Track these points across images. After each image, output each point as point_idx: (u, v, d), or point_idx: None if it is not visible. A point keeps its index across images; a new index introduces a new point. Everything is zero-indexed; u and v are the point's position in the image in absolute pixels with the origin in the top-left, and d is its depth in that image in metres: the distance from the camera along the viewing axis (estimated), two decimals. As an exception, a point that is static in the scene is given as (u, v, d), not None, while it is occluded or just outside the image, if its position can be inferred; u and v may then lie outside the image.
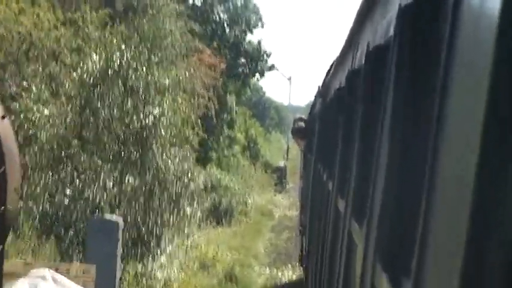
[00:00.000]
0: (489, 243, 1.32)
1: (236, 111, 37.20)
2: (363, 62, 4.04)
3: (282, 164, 46.47)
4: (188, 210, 15.31)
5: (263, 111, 67.20)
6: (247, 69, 37.72)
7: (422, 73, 2.46)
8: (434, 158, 1.79)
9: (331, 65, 9.91)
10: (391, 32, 2.83)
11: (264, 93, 72.71)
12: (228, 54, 34.10)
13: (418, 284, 1.86)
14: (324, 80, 11.23)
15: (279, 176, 43.29)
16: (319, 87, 13.25)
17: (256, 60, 37.92)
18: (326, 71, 11.21)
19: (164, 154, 14.51)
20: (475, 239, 1.34)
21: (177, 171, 14.78)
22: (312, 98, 15.41)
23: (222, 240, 21.77)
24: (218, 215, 24.92)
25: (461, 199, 1.43)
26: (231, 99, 35.79)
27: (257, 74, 39.21)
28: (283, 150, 58.65)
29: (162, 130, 14.40)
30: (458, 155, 1.58)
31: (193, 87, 19.99)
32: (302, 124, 17.51)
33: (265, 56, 38.66)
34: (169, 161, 14.59)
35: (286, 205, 34.98)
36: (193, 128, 17.55)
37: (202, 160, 29.08)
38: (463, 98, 1.61)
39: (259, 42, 38.35)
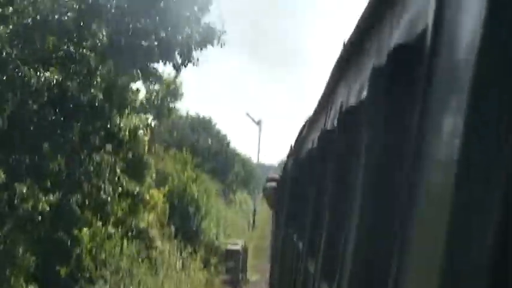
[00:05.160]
0: None
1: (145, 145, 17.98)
2: (336, 122, 4.06)
3: (238, 245, 27.52)
4: None
5: (225, 165, 47.96)
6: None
7: (394, 135, 2.46)
8: (404, 225, 1.79)
9: (304, 124, 9.96)
10: (365, 93, 2.84)
11: (228, 143, 50.25)
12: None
13: None
14: (297, 139, 11.27)
15: (233, 267, 26.17)
16: (291, 146, 13.30)
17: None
18: (299, 130, 11.27)
19: None
20: None
21: None
22: (285, 157, 15.37)
23: None
24: None
25: (431, 266, 1.42)
26: (139, 119, 17.07)
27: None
28: (251, 216, 45.76)
29: None
30: (428, 225, 1.58)
31: None
32: (274, 184, 17.18)
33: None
34: None
35: None
36: None
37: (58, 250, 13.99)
38: (434, 163, 1.61)
39: None
